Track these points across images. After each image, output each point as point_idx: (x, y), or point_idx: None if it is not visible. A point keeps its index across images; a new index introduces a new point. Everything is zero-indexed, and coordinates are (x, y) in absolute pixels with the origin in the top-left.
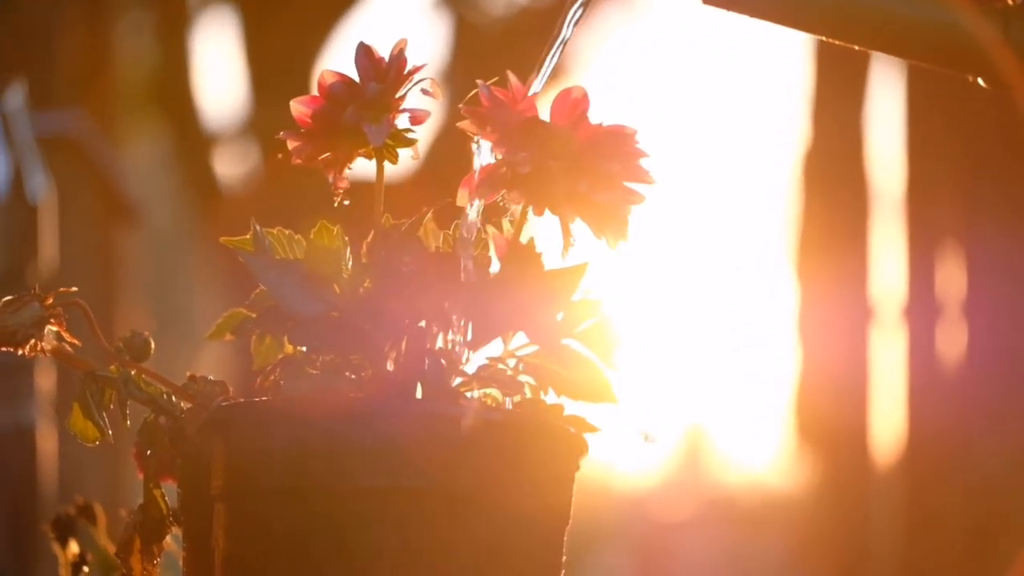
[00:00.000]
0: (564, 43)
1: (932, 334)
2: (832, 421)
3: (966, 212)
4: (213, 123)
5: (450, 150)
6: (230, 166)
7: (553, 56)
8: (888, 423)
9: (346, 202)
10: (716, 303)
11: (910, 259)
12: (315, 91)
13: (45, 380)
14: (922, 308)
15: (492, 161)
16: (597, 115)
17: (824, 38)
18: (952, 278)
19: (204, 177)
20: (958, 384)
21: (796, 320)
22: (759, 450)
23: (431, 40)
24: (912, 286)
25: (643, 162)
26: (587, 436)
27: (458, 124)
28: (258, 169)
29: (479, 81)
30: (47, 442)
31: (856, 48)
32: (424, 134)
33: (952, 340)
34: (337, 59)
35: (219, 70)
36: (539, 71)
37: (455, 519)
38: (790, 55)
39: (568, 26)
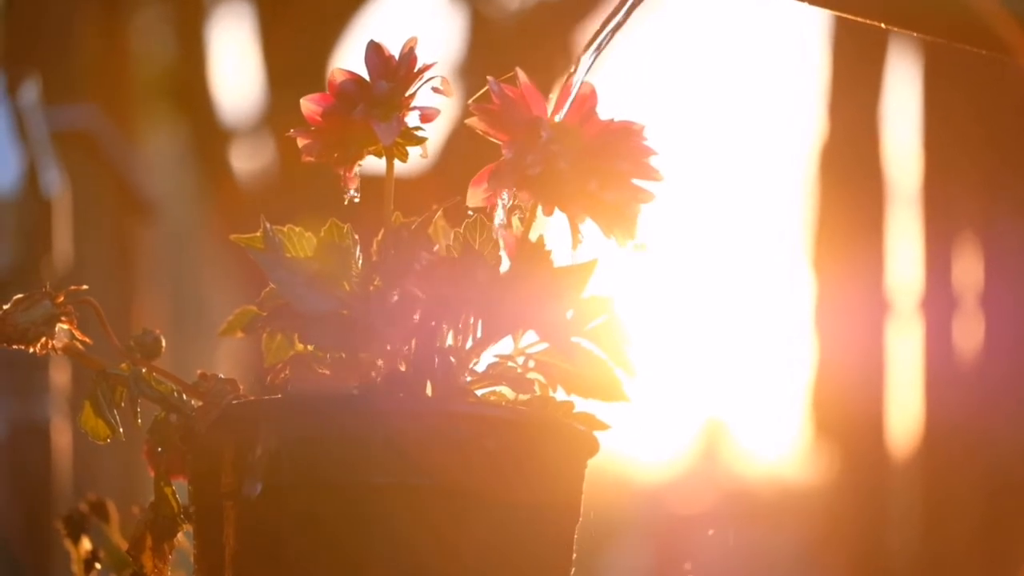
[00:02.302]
0: (617, 28)
1: (949, 326)
2: (849, 414)
3: (983, 205)
4: (229, 118)
5: (464, 146)
6: (246, 161)
7: (602, 43)
8: (905, 415)
9: (356, 199)
10: (733, 297)
11: (927, 252)
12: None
13: (60, 376)
14: (939, 300)
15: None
16: (606, 112)
17: (856, 17)
18: (969, 270)
19: (220, 172)
20: (975, 376)
21: (813, 313)
22: (776, 443)
23: (446, 34)
24: (929, 278)
25: (652, 159)
26: (598, 433)
27: (467, 121)
28: (273, 164)
29: (490, 78)
30: (62, 437)
31: (895, 30)
32: (437, 130)
33: (969, 332)
34: (353, 53)
35: (235, 65)
36: (587, 55)
37: (465, 517)
38: (806, 48)
39: (624, 12)
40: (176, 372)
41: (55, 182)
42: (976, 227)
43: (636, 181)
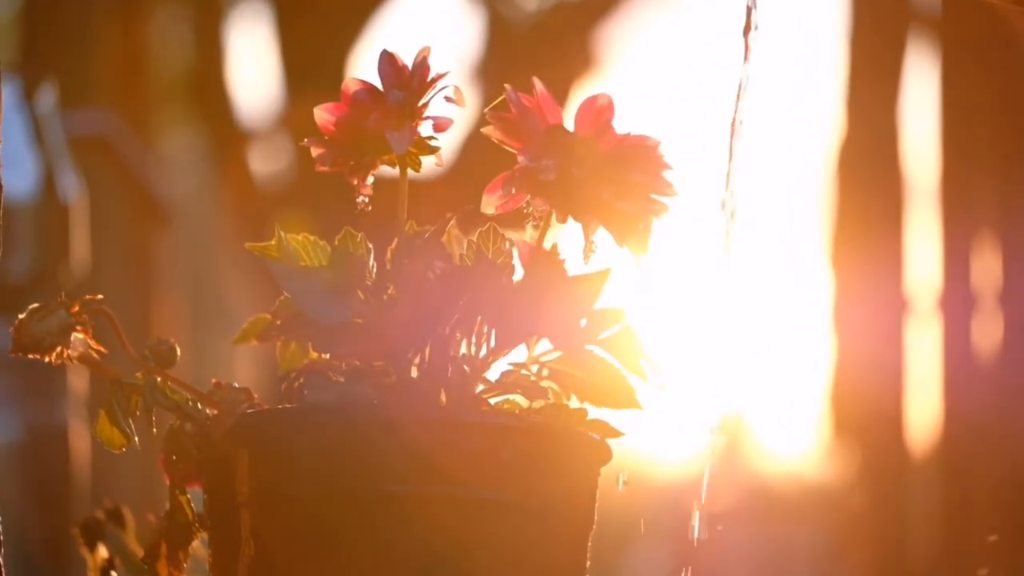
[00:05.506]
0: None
1: (968, 324)
2: (869, 411)
3: (1002, 202)
4: (246, 121)
5: (481, 147)
6: (263, 164)
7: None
8: (924, 413)
9: (369, 208)
10: (753, 295)
11: (945, 249)
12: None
13: (78, 380)
14: (958, 298)
15: None
16: (623, 124)
17: None
18: (988, 268)
19: (237, 175)
20: (994, 374)
21: (832, 311)
22: (796, 441)
23: (463, 34)
24: (948, 276)
25: (667, 174)
26: (611, 440)
27: (483, 130)
28: (291, 167)
29: (507, 87)
30: (80, 441)
31: None
32: (456, 132)
33: (988, 330)
34: (370, 54)
35: (252, 68)
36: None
37: (479, 524)
38: (825, 46)
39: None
40: (194, 376)
41: (72, 187)
42: (995, 224)
43: (650, 194)
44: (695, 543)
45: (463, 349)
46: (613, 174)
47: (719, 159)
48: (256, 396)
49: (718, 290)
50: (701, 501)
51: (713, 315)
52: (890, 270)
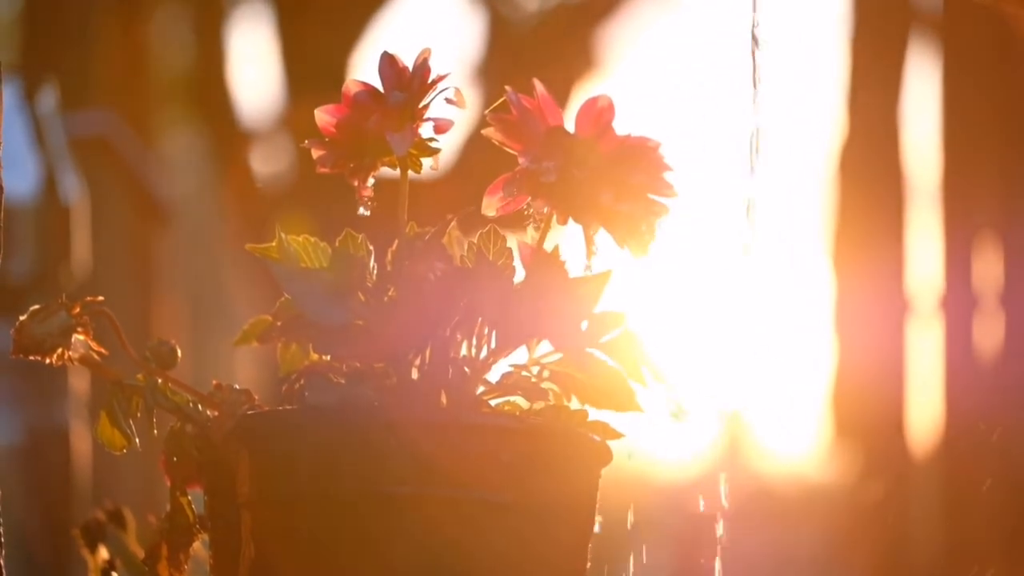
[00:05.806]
0: None
1: (969, 325)
2: (870, 413)
3: (1003, 203)
4: (247, 122)
5: (482, 148)
6: (264, 165)
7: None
8: (925, 414)
9: (369, 212)
10: (753, 295)
11: (947, 251)
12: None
13: (79, 382)
14: (959, 299)
15: None
16: (623, 126)
17: None
18: (989, 269)
19: (238, 176)
20: (995, 374)
21: (834, 312)
22: (798, 441)
23: (465, 35)
24: (949, 277)
25: (668, 175)
26: (611, 442)
27: (484, 132)
28: (292, 168)
29: (508, 88)
30: (81, 443)
31: None
32: (457, 133)
33: (989, 331)
34: (371, 55)
35: (253, 68)
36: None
37: (479, 526)
38: (827, 47)
39: None
40: (194, 377)
41: (73, 188)
42: (996, 225)
43: (651, 195)
44: (718, 541)
45: (464, 351)
46: (614, 176)
47: (735, 154)
48: (257, 398)
49: (726, 291)
50: (723, 502)
51: (718, 315)
52: (891, 271)
